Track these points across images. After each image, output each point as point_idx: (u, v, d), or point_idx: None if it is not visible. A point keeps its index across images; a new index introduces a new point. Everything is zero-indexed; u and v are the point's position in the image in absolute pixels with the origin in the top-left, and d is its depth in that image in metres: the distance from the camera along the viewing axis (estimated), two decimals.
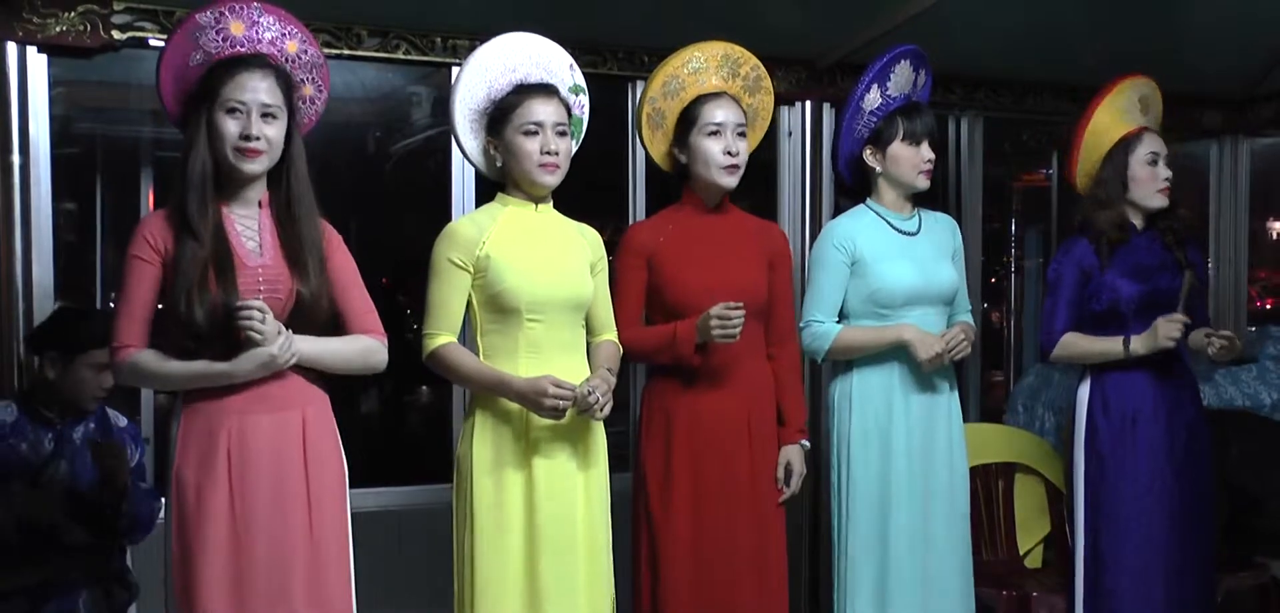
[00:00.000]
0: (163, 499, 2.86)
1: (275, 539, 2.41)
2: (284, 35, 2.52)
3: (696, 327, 2.91)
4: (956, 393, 3.30)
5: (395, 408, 5.87)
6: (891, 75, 3.21)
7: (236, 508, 2.39)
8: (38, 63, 3.34)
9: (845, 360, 3.26)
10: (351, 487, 2.59)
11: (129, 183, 4.83)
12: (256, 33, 2.48)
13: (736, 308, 2.86)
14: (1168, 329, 3.17)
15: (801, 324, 3.26)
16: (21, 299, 3.31)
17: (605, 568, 2.79)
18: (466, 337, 2.78)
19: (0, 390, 3.28)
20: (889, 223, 3.23)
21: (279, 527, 2.42)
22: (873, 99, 3.24)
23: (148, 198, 4.80)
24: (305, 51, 2.56)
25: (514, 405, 2.70)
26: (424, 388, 5.71)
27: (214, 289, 2.35)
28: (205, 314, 2.34)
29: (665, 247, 3.03)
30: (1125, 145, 3.30)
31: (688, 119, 3.05)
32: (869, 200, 3.27)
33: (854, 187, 3.32)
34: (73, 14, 3.31)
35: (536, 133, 2.73)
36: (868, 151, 3.24)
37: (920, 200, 3.31)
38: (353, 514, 2.59)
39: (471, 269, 2.73)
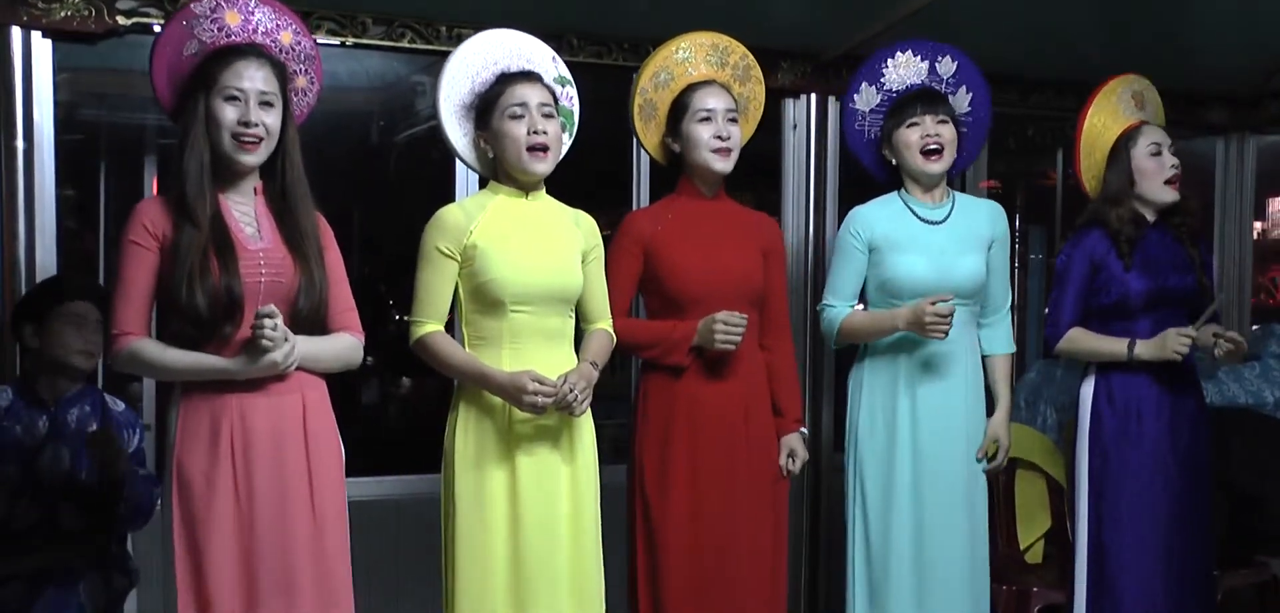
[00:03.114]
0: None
1: (279, 522, 2.42)
2: (278, 26, 2.54)
3: (698, 331, 2.92)
4: (979, 387, 3.27)
5: (387, 400, 5.87)
6: (884, 71, 3.23)
7: (240, 491, 2.39)
8: (42, 48, 3.34)
9: (860, 351, 3.28)
10: (349, 476, 2.60)
11: (132, 169, 4.83)
12: (251, 23, 2.50)
13: (740, 318, 2.89)
14: (1177, 344, 3.16)
15: (819, 308, 3.32)
16: (25, 284, 3.30)
17: (592, 560, 2.79)
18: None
19: (2, 376, 3.28)
20: (913, 211, 3.23)
21: (282, 509, 2.42)
22: (869, 97, 3.26)
23: (151, 185, 4.80)
24: (299, 43, 2.58)
25: (497, 398, 2.70)
26: (405, 379, 5.70)
27: (216, 274, 2.35)
28: (207, 300, 2.34)
29: (663, 235, 3.03)
30: (1126, 140, 3.30)
31: (679, 108, 3.06)
32: (901, 189, 3.28)
33: (889, 181, 3.33)
34: None
35: (522, 116, 2.72)
36: (885, 149, 3.25)
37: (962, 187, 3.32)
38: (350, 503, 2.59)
39: (459, 257, 2.72)
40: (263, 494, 2.40)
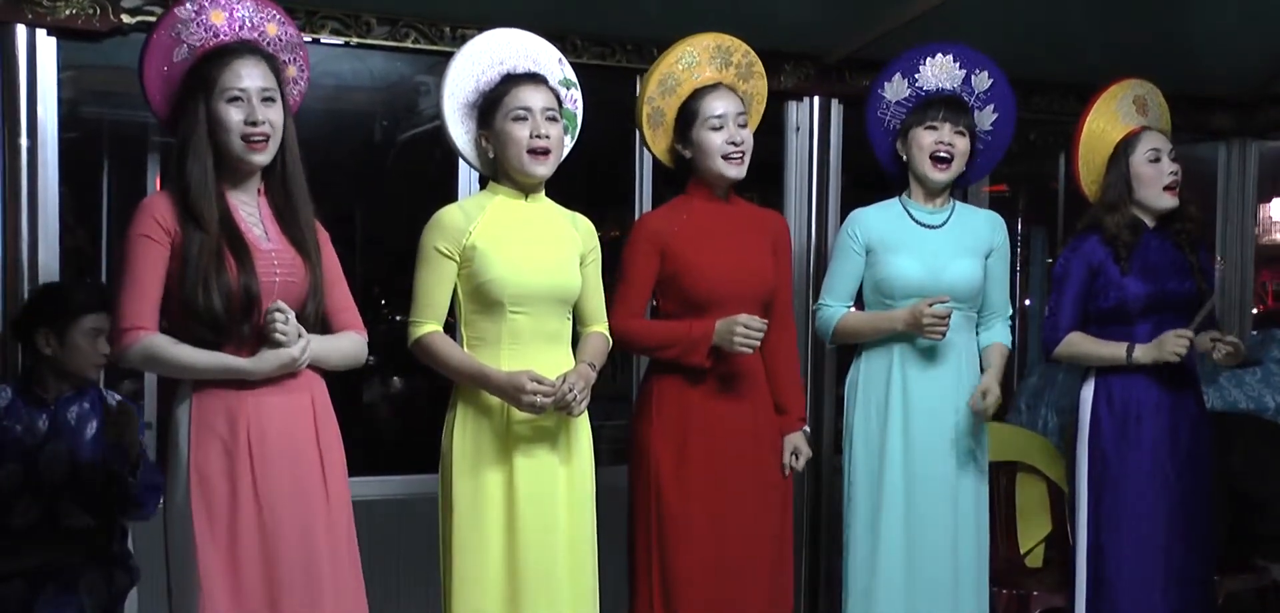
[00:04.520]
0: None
1: (299, 519, 2.41)
2: (262, 19, 2.52)
3: (716, 332, 2.92)
4: (974, 390, 3.26)
5: (381, 400, 5.87)
6: (920, 68, 3.23)
7: (259, 489, 2.37)
8: (47, 46, 3.34)
9: (856, 353, 3.29)
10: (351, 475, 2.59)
11: (135, 167, 4.83)
12: (236, 20, 2.49)
13: (761, 324, 2.90)
14: (1176, 346, 3.17)
15: (815, 307, 3.34)
16: (28, 282, 3.30)
17: (588, 561, 2.80)
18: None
19: (6, 373, 3.28)
20: (911, 215, 3.25)
21: (301, 506, 2.41)
22: (898, 89, 3.25)
23: (154, 183, 4.81)
24: (285, 33, 2.56)
25: (495, 398, 2.70)
26: (396, 379, 5.71)
27: (232, 274, 2.34)
28: (224, 300, 2.33)
29: (680, 235, 3.04)
30: (1125, 146, 3.31)
31: (687, 114, 3.06)
32: (903, 193, 3.29)
33: (898, 177, 3.33)
34: None
35: (525, 118, 2.72)
36: (899, 143, 3.26)
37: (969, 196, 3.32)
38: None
39: (458, 258, 2.73)
40: (281, 492, 2.39)
